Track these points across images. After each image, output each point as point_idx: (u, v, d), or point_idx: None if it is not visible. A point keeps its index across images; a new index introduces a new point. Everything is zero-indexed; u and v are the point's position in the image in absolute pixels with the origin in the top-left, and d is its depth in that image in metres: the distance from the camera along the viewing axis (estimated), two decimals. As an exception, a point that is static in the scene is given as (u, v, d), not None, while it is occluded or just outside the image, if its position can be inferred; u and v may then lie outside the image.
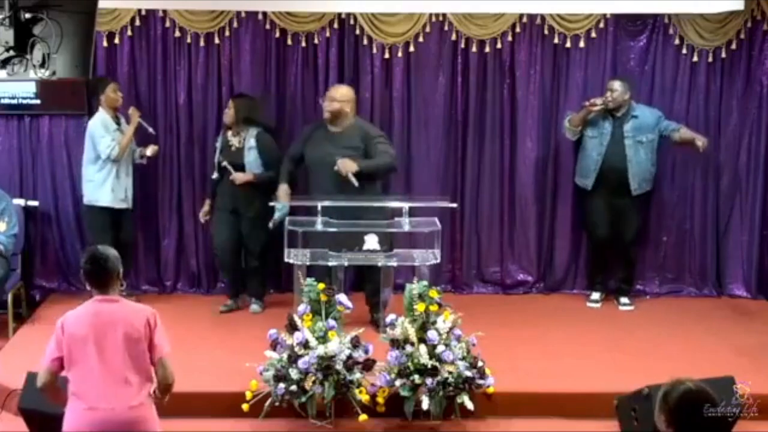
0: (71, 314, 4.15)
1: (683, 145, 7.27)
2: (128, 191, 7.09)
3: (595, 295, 7.41)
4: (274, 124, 7.26)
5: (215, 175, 7.07)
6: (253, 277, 7.19)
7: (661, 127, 7.19)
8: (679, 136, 7.21)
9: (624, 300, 7.37)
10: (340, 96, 6.73)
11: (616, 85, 7.09)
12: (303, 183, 7.42)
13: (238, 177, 6.89)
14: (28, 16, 4.86)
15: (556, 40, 7.41)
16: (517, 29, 7.40)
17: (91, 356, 4.04)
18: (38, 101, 7.34)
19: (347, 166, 6.53)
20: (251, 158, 6.92)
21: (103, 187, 6.98)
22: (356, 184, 6.51)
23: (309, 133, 6.92)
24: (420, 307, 5.53)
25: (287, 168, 6.88)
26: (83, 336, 4.05)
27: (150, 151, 7.12)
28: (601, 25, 7.40)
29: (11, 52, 4.90)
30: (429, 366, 5.39)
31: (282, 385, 5.39)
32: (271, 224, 6.67)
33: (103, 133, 6.95)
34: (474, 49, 7.41)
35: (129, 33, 7.32)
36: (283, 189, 6.76)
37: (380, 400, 5.49)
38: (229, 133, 7.00)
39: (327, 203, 6.30)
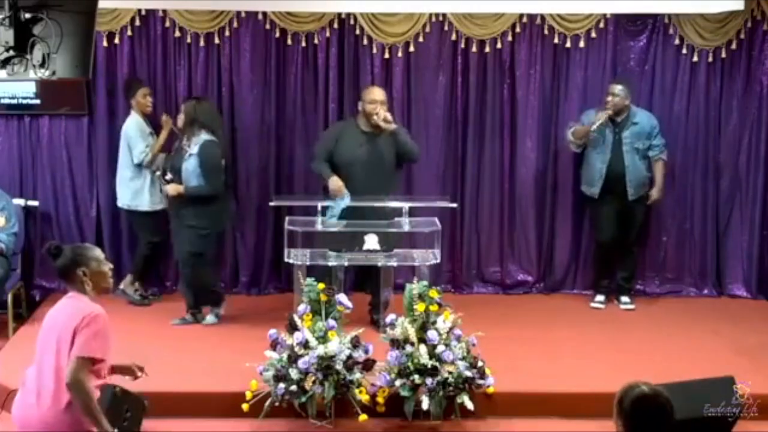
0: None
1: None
2: (163, 193, 7.11)
3: (600, 297, 7.41)
4: (220, 130, 6.89)
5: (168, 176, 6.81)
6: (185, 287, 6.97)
7: (651, 138, 7.18)
8: (654, 167, 7.20)
9: (625, 299, 7.37)
10: (384, 97, 6.66)
11: (618, 89, 7.06)
12: (301, 185, 7.46)
13: (170, 189, 6.69)
14: (28, 16, 4.85)
15: (556, 40, 7.42)
16: (517, 29, 7.41)
17: (37, 352, 4.13)
18: (38, 101, 7.34)
19: (389, 118, 6.52)
20: (189, 166, 6.61)
21: (142, 193, 7.11)
22: (392, 127, 6.52)
23: (338, 132, 6.78)
24: (420, 307, 5.53)
25: (327, 166, 6.63)
26: (41, 331, 4.18)
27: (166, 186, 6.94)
28: (601, 25, 7.40)
29: (11, 52, 4.89)
30: (429, 366, 5.39)
31: (282, 385, 5.39)
32: (328, 219, 6.38)
33: (139, 138, 7.04)
34: (474, 49, 7.41)
35: (129, 33, 7.32)
36: (335, 180, 6.51)
37: (380, 400, 5.49)
38: (184, 137, 6.76)
39: (327, 203, 6.30)
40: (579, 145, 7.19)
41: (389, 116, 6.57)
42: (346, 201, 6.41)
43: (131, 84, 7.19)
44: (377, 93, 6.68)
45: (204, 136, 6.64)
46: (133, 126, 7.07)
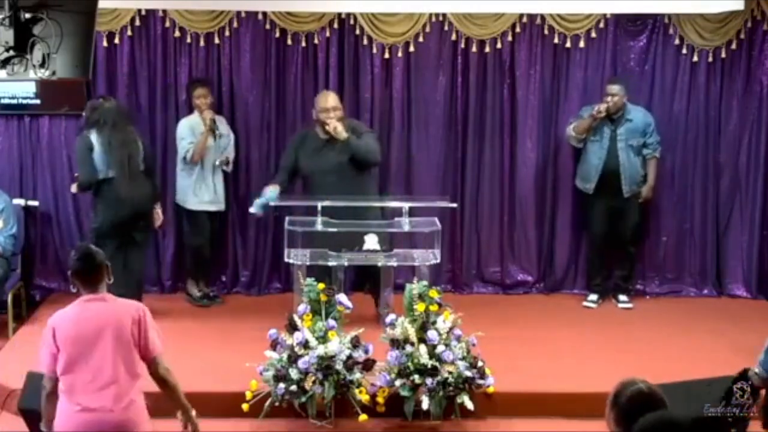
0: (60, 315, 4.15)
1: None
2: (218, 194, 7.16)
3: (593, 296, 7.41)
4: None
5: None
6: None
7: (646, 135, 7.19)
8: (647, 166, 7.22)
9: (623, 298, 7.37)
10: (336, 102, 6.69)
11: (615, 89, 7.07)
12: (301, 185, 7.44)
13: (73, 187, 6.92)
14: (28, 16, 4.86)
15: (556, 40, 7.42)
16: (517, 29, 7.40)
17: (81, 357, 4.03)
18: (38, 101, 7.33)
19: (339, 129, 6.54)
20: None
21: (189, 190, 7.14)
22: (344, 136, 6.54)
23: (299, 142, 6.85)
24: (420, 307, 5.53)
25: (281, 179, 6.80)
26: (73, 336, 4.05)
27: (222, 160, 7.14)
28: (601, 25, 7.40)
29: (11, 52, 4.89)
30: (429, 366, 5.39)
31: (282, 385, 5.39)
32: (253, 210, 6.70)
33: (184, 135, 7.08)
34: (474, 49, 7.41)
35: (129, 33, 7.32)
36: (273, 186, 6.72)
37: (380, 400, 5.49)
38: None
39: (327, 203, 6.31)
40: (580, 139, 7.19)
41: (339, 127, 6.57)
42: (268, 196, 6.60)
43: (189, 84, 7.25)
44: (328, 100, 6.70)
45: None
46: (182, 124, 7.14)
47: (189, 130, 7.09)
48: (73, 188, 6.93)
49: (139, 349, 4.09)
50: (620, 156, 7.10)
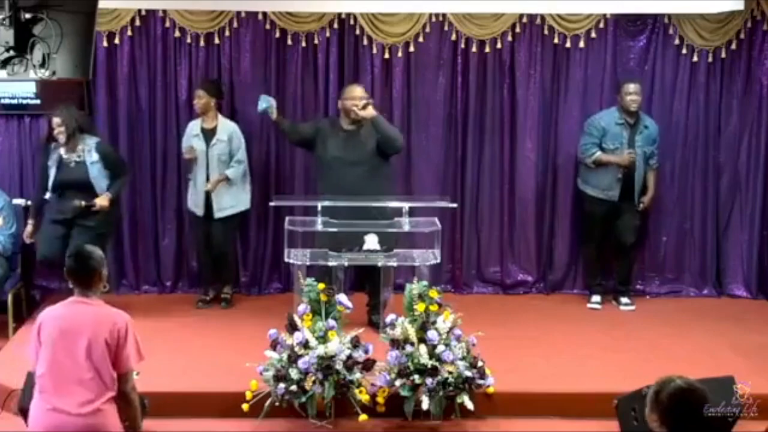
0: (48, 311, 4.17)
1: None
2: (200, 197, 7.07)
3: (596, 297, 7.40)
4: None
5: (49, 195, 6.73)
6: None
7: (653, 148, 7.18)
8: (648, 175, 7.21)
9: (625, 300, 7.37)
10: (364, 93, 6.72)
11: (637, 88, 7.04)
12: (301, 185, 7.45)
13: (101, 203, 6.61)
14: (28, 16, 4.85)
15: (556, 40, 7.42)
16: (517, 29, 7.41)
17: (56, 357, 4.04)
18: (38, 101, 7.34)
19: (367, 110, 6.56)
20: (95, 173, 6.63)
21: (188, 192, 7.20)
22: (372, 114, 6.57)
23: (323, 128, 6.80)
24: (420, 307, 5.53)
25: (294, 128, 6.93)
26: (53, 335, 4.06)
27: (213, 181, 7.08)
28: (601, 25, 7.40)
29: (11, 52, 4.89)
30: (429, 366, 5.38)
31: (282, 385, 5.39)
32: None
33: (183, 136, 7.17)
34: (474, 49, 7.41)
35: (129, 33, 7.32)
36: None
37: (380, 400, 5.49)
38: (62, 150, 6.65)
39: (327, 203, 6.30)
40: (593, 166, 7.16)
41: (369, 107, 6.60)
42: (267, 99, 6.82)
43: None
44: (358, 91, 6.73)
45: (90, 140, 6.69)
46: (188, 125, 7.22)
47: (187, 131, 7.11)
48: (102, 203, 6.63)
49: (112, 361, 4.06)
50: (637, 161, 7.08)
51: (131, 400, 4.16)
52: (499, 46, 7.42)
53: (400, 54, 7.41)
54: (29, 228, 6.90)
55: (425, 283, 5.70)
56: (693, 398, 3.13)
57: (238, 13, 7.33)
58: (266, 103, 6.82)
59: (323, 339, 5.46)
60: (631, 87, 7.05)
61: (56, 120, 6.63)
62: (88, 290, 4.12)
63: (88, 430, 4.01)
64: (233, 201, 7.09)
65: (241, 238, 7.59)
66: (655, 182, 7.27)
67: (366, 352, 5.54)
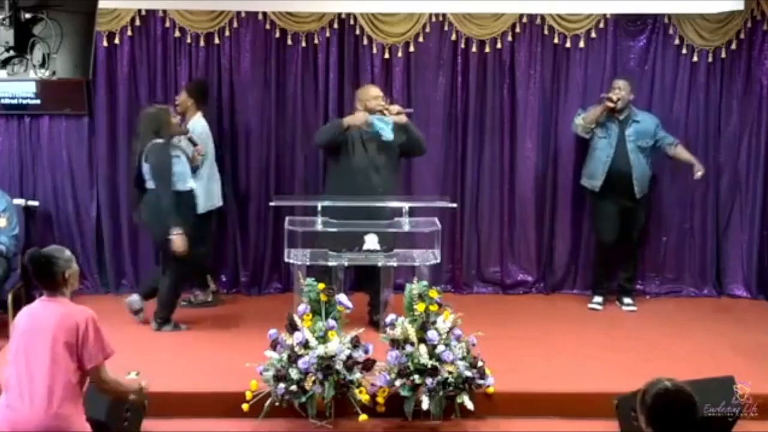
0: (23, 309, 4.23)
1: (676, 161, 7.31)
2: None
3: (598, 299, 7.41)
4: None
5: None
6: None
7: (658, 135, 7.20)
8: (674, 153, 7.26)
9: (627, 300, 7.37)
10: (380, 91, 6.73)
11: (622, 83, 7.10)
12: (301, 185, 7.45)
13: None
14: (28, 16, 4.85)
15: (556, 40, 7.42)
16: (517, 29, 7.41)
17: (20, 354, 4.06)
18: (38, 101, 7.34)
19: (399, 115, 6.56)
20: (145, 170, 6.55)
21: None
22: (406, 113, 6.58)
23: (352, 133, 6.67)
24: (420, 307, 5.53)
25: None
26: (20, 333, 4.10)
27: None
28: (601, 25, 7.40)
29: (11, 52, 4.89)
30: (429, 366, 5.38)
31: (282, 385, 5.39)
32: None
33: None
34: (474, 49, 7.41)
35: (129, 33, 7.32)
36: (359, 115, 6.64)
37: (380, 400, 5.49)
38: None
39: (327, 203, 6.30)
40: (588, 130, 7.17)
41: (400, 108, 6.62)
42: (386, 119, 6.58)
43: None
44: (376, 89, 6.74)
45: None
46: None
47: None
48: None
49: (78, 359, 4.07)
50: (631, 157, 7.09)
51: (106, 388, 4.25)
52: (499, 46, 7.42)
53: (400, 54, 7.41)
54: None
55: (425, 283, 5.70)
56: (678, 400, 3.13)
57: (238, 13, 7.34)
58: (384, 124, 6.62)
59: (323, 339, 5.46)
60: (617, 83, 7.12)
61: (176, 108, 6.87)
62: (52, 291, 4.14)
63: (49, 428, 3.99)
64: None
65: (242, 238, 7.59)
66: (685, 154, 7.23)
67: (366, 352, 5.54)
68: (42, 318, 4.10)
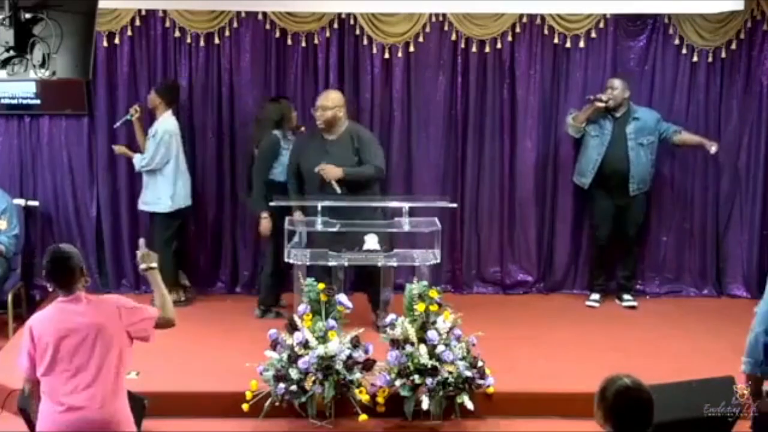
0: (38, 317, 4.16)
1: (684, 147, 7.31)
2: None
3: (595, 296, 7.41)
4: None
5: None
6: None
7: (660, 129, 7.20)
8: (680, 139, 7.25)
9: (627, 296, 7.37)
10: (331, 103, 6.59)
11: (616, 83, 7.11)
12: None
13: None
14: (28, 16, 4.84)
15: (556, 40, 7.42)
16: (517, 29, 7.40)
17: (61, 358, 4.03)
18: (38, 101, 7.34)
19: (331, 172, 6.44)
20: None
21: None
22: (338, 191, 6.42)
23: (303, 143, 6.77)
24: (420, 307, 5.54)
25: (294, 188, 6.70)
26: (52, 339, 4.04)
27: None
28: (601, 25, 7.40)
29: (11, 52, 4.88)
30: (429, 366, 5.39)
31: (282, 385, 5.39)
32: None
33: None
34: (474, 49, 7.41)
35: (129, 33, 7.32)
36: (298, 215, 6.64)
37: (380, 400, 5.50)
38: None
39: (327, 203, 6.31)
40: (578, 129, 7.18)
41: (331, 172, 6.45)
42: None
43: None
44: (323, 98, 6.64)
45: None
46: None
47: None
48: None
49: (140, 334, 4.11)
50: (630, 155, 7.09)
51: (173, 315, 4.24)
52: (499, 46, 7.42)
53: (400, 54, 7.41)
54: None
55: (425, 283, 5.71)
56: (637, 397, 3.14)
57: (238, 13, 7.34)
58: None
59: (323, 339, 5.47)
60: (611, 82, 7.13)
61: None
62: (70, 290, 4.11)
63: (107, 423, 4.02)
64: (153, 197, 7.10)
65: (242, 238, 7.59)
66: (692, 136, 7.25)
67: (366, 352, 5.55)
68: (75, 319, 4.05)
